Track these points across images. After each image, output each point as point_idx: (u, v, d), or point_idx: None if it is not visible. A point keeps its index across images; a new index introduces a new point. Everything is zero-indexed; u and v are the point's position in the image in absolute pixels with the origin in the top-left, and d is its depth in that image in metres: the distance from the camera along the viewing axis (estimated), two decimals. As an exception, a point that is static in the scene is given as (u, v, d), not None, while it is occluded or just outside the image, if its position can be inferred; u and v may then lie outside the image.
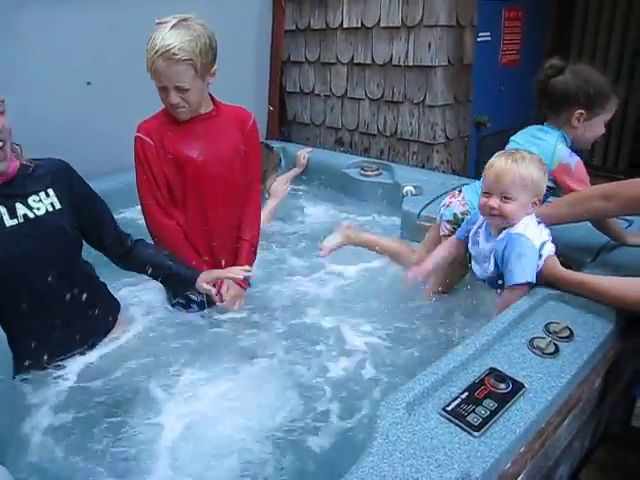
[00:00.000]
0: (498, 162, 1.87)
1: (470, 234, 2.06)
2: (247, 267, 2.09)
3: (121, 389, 1.85)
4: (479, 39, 4.06)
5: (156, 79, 1.94)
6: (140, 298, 2.40)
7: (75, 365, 1.91)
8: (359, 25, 4.12)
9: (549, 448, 1.43)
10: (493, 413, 1.32)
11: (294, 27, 4.59)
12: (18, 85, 2.87)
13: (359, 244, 2.65)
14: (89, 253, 2.02)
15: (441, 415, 1.32)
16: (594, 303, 1.75)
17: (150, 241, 2.15)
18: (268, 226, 3.09)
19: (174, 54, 1.86)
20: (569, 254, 2.14)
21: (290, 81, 4.81)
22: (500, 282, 1.93)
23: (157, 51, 1.86)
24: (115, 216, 2.04)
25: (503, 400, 1.36)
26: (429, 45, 3.74)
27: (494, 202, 1.84)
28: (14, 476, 1.28)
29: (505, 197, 1.83)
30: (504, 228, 1.89)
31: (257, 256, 2.41)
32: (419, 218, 2.80)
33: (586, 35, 4.96)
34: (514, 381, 1.43)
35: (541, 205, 2.08)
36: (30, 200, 1.77)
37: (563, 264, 1.90)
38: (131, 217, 2.95)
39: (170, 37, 1.87)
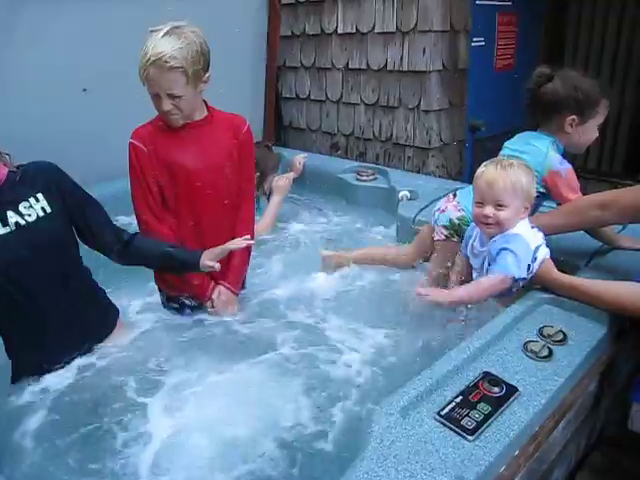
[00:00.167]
0: (487, 171, 1.89)
1: (468, 249, 2.08)
2: (248, 236, 2.06)
3: (118, 394, 1.84)
4: (473, 44, 4.07)
5: (149, 86, 1.95)
6: (134, 303, 2.41)
7: (74, 370, 1.91)
8: (354, 31, 4.14)
9: (544, 452, 1.44)
10: (487, 417, 1.33)
11: (289, 33, 4.60)
12: (13, 91, 2.88)
13: (355, 262, 2.66)
14: (86, 259, 2.01)
15: (435, 419, 1.33)
16: (588, 307, 1.77)
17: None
18: (267, 231, 3.12)
19: (166, 62, 1.87)
20: (563, 258, 2.15)
21: (286, 86, 4.83)
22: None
23: (149, 59, 1.87)
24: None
25: (497, 404, 1.37)
26: (424, 50, 3.75)
27: (489, 211, 1.86)
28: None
29: (499, 204, 1.86)
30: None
31: (252, 261, 2.42)
32: (414, 223, 2.81)
33: (580, 39, 4.97)
34: (508, 385, 1.44)
35: (537, 215, 2.11)
36: (21, 207, 1.76)
37: (557, 268, 1.91)
38: (127, 222, 2.95)
39: (162, 45, 1.88)
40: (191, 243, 2.12)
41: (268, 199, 3.35)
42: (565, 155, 2.21)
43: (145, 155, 2.05)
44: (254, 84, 4.37)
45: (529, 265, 1.87)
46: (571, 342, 1.63)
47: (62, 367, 1.90)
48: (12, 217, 1.74)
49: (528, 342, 1.61)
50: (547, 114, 2.20)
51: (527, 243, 1.86)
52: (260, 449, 1.59)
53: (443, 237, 2.34)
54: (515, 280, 1.87)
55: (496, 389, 1.42)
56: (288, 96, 4.84)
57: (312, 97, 4.65)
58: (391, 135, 4.13)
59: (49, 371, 1.88)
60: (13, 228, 1.74)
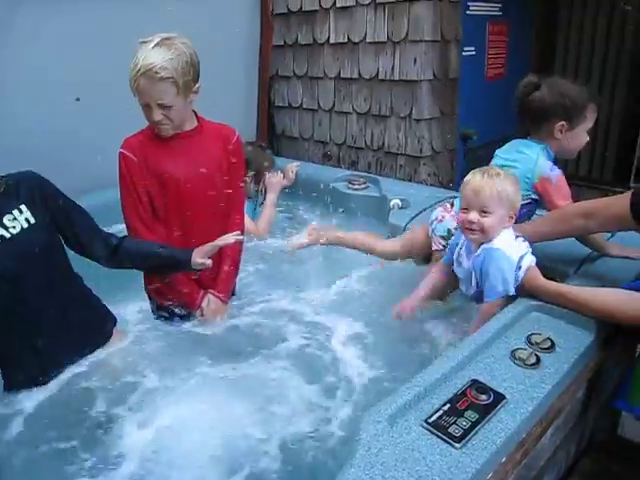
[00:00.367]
0: (474, 179, 1.94)
1: (454, 256, 2.11)
2: (237, 232, 2.08)
3: (111, 403, 1.85)
4: (464, 53, 4.11)
5: (139, 97, 1.96)
6: (124, 311, 2.40)
7: (68, 377, 1.91)
8: (346, 40, 4.17)
9: (532, 458, 1.44)
10: (474, 424, 1.33)
11: (282, 42, 4.63)
12: (9, 92, 2.88)
13: (331, 243, 2.69)
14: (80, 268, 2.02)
15: (423, 427, 1.34)
16: (576, 314, 1.77)
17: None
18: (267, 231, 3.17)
19: (156, 72, 1.89)
20: (553, 265, 2.18)
21: (278, 96, 4.85)
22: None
23: (139, 70, 1.89)
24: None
25: (484, 411, 1.38)
26: (414, 60, 3.78)
27: (473, 216, 1.90)
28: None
29: (484, 211, 1.90)
30: (482, 243, 1.95)
31: (241, 269, 2.43)
32: (405, 231, 2.82)
33: (570, 41, 5.02)
34: (495, 392, 1.44)
35: (522, 223, 2.13)
36: (5, 220, 1.75)
37: (546, 276, 1.92)
38: (120, 230, 2.95)
39: (152, 56, 1.90)
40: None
41: (264, 198, 3.37)
42: (556, 162, 2.23)
43: (135, 165, 2.06)
44: (247, 93, 4.40)
45: (515, 274, 1.90)
46: (559, 349, 1.64)
47: (57, 375, 1.90)
48: None
49: (516, 350, 1.62)
50: (536, 122, 2.22)
51: (508, 257, 1.90)
52: (245, 458, 1.60)
53: (441, 247, 2.37)
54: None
55: (483, 397, 1.42)
56: (281, 105, 4.86)
57: (304, 106, 4.67)
58: (383, 144, 4.15)
59: (42, 380, 1.87)
60: None
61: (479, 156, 3.31)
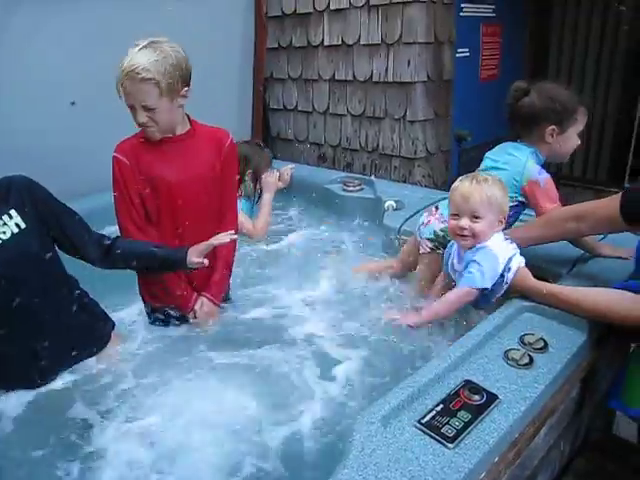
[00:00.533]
0: (462, 185, 1.95)
1: (448, 269, 2.12)
2: (231, 231, 2.10)
3: (108, 405, 1.85)
4: (458, 55, 4.13)
5: (125, 98, 1.98)
6: (122, 315, 2.41)
7: (67, 379, 1.92)
8: (340, 43, 4.19)
9: (526, 458, 1.45)
10: (467, 425, 1.34)
11: (276, 45, 4.65)
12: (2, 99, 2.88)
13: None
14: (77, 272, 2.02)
15: (416, 427, 1.34)
16: (568, 314, 1.78)
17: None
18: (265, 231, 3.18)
19: (137, 73, 1.90)
20: (546, 266, 2.19)
21: (273, 98, 4.86)
22: (480, 301, 1.99)
23: (124, 70, 1.91)
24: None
25: (477, 412, 1.39)
26: (408, 62, 3.80)
27: (464, 222, 1.91)
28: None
29: (474, 217, 1.91)
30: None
31: (234, 272, 2.43)
32: (400, 233, 2.83)
33: (564, 42, 5.04)
34: (488, 393, 1.45)
35: (513, 228, 2.14)
36: None
37: (539, 277, 1.93)
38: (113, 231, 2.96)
39: (137, 58, 1.92)
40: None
41: (260, 197, 3.37)
42: (545, 165, 2.25)
43: (128, 168, 2.06)
44: (242, 95, 4.41)
45: (503, 275, 1.91)
46: (552, 349, 1.64)
47: (52, 377, 1.90)
48: None
49: (509, 350, 1.62)
50: (527, 127, 2.24)
51: (494, 254, 1.91)
52: (238, 458, 1.60)
53: (428, 250, 2.37)
54: (481, 291, 1.92)
55: (477, 397, 1.43)
56: (276, 107, 4.88)
57: (299, 108, 4.69)
58: (377, 145, 4.17)
59: (37, 384, 1.87)
60: None
61: (472, 157, 3.33)
